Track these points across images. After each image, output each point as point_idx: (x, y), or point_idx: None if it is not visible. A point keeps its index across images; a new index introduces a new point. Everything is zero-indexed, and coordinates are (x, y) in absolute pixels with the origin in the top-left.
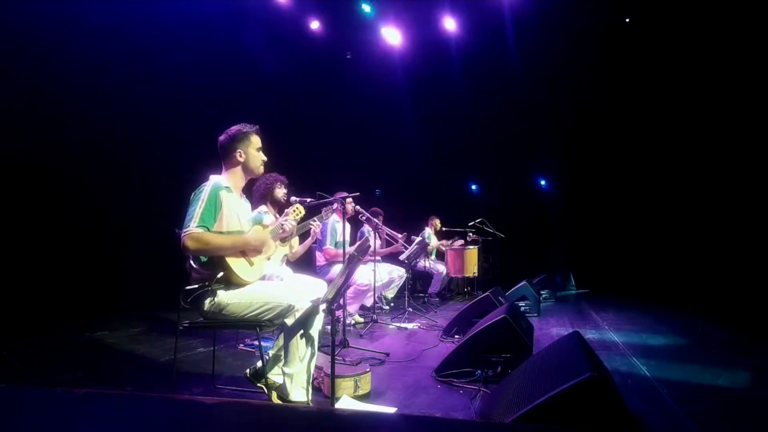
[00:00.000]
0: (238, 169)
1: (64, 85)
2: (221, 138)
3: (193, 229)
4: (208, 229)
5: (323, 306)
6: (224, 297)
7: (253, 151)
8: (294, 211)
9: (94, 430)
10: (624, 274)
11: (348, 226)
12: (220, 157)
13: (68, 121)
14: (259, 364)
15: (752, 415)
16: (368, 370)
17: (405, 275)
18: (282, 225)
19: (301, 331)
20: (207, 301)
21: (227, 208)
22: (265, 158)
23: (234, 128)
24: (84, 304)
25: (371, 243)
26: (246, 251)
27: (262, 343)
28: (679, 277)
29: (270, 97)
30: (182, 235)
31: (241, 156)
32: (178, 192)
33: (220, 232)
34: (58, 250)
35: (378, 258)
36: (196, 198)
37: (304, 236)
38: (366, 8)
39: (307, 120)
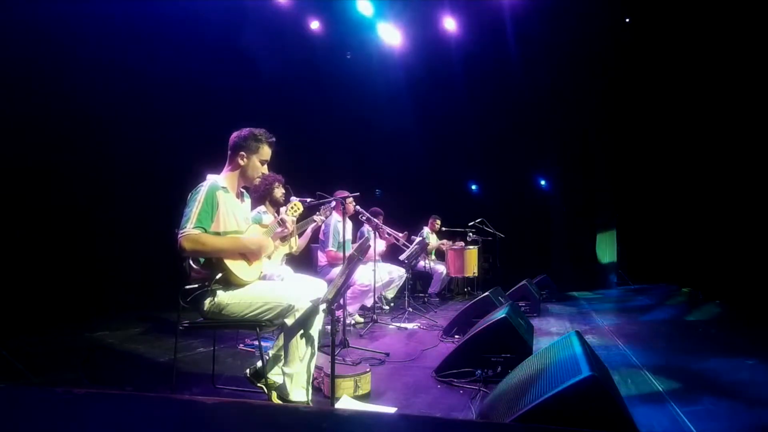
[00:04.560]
0: (237, 173)
1: (63, 85)
2: (233, 135)
3: (189, 230)
4: (205, 230)
5: (323, 306)
6: (224, 297)
7: (256, 161)
8: (291, 208)
9: (94, 430)
10: (627, 273)
11: (349, 224)
12: (227, 152)
13: (67, 121)
14: (259, 364)
15: (752, 415)
16: (368, 370)
17: (405, 275)
18: (283, 220)
19: (301, 331)
20: (207, 301)
21: (224, 208)
22: (265, 171)
23: (248, 130)
24: (84, 304)
25: (371, 243)
26: (244, 254)
27: (262, 343)
28: (683, 275)
29: (270, 97)
30: (179, 236)
31: (242, 160)
32: (178, 191)
33: (217, 233)
34: (57, 249)
35: (378, 258)
36: (192, 198)
37: (302, 232)
38: (366, 9)
39: (307, 120)
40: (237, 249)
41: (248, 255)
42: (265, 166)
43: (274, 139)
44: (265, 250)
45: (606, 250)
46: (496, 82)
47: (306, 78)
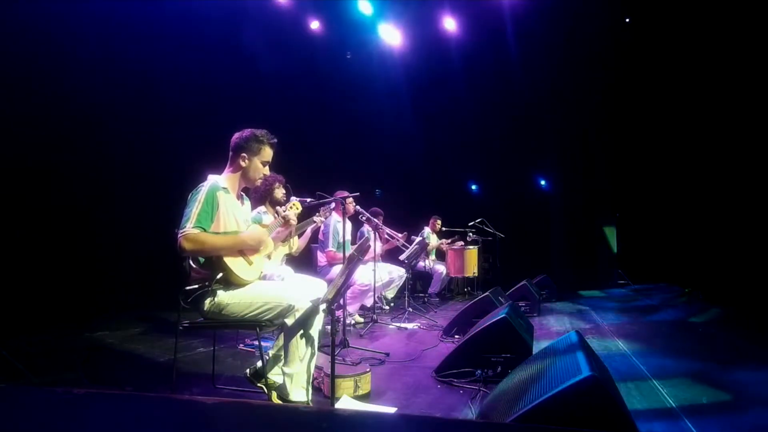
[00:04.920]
0: (238, 174)
1: (63, 85)
2: (235, 136)
3: (189, 229)
4: (205, 230)
5: (323, 306)
6: (224, 297)
7: (258, 163)
8: (291, 207)
9: (94, 430)
10: (628, 272)
11: (349, 225)
12: (229, 153)
13: (68, 121)
14: (259, 364)
15: (752, 415)
16: (368, 370)
17: (405, 275)
18: (286, 217)
19: (301, 331)
20: (207, 301)
21: (224, 208)
22: (267, 173)
23: (250, 131)
24: (84, 304)
25: (371, 243)
26: (244, 250)
27: (262, 343)
28: (683, 275)
29: (270, 97)
30: (179, 235)
31: (244, 161)
32: (178, 192)
33: (217, 233)
34: (58, 250)
35: (378, 258)
36: (193, 198)
37: (302, 232)
38: (366, 9)
39: (307, 120)
40: (236, 246)
41: (248, 251)
42: (267, 167)
43: (275, 140)
44: (265, 245)
45: (611, 245)
46: (496, 82)
47: (306, 78)
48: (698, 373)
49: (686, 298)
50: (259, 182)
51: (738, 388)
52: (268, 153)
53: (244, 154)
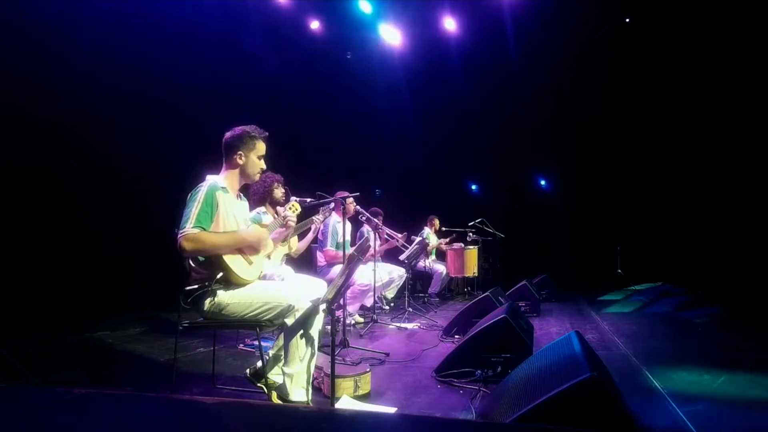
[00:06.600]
0: (236, 171)
1: (64, 84)
2: (227, 135)
3: (189, 229)
4: (205, 230)
5: (323, 306)
6: (224, 297)
7: (254, 158)
8: (290, 208)
9: (94, 430)
10: (627, 273)
11: (349, 225)
12: (223, 154)
13: (68, 120)
14: (259, 364)
15: (751, 415)
16: (368, 370)
17: (405, 275)
18: (286, 217)
19: (301, 331)
20: (207, 301)
21: (224, 208)
22: (264, 167)
23: (241, 128)
24: (84, 304)
25: (371, 243)
26: (243, 249)
27: (262, 343)
28: (683, 275)
29: (270, 96)
30: (178, 235)
31: (241, 159)
32: (178, 192)
33: (216, 232)
34: (58, 250)
35: (378, 258)
36: (192, 198)
37: (303, 233)
38: (366, 8)
39: (307, 120)
40: (236, 244)
41: (247, 250)
42: (262, 161)
43: (266, 134)
44: (264, 243)
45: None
46: (496, 81)
47: (306, 78)
48: (698, 372)
49: (686, 297)
50: (257, 177)
51: (740, 388)
52: (261, 147)
53: (240, 152)
